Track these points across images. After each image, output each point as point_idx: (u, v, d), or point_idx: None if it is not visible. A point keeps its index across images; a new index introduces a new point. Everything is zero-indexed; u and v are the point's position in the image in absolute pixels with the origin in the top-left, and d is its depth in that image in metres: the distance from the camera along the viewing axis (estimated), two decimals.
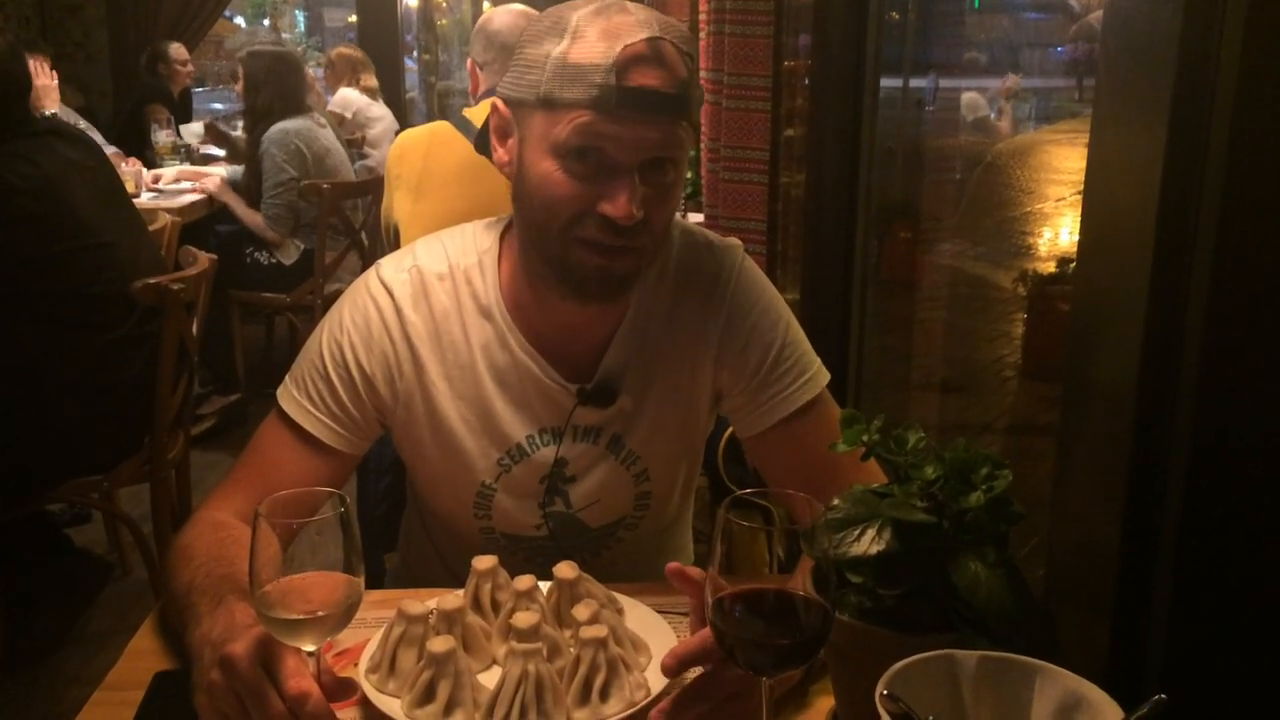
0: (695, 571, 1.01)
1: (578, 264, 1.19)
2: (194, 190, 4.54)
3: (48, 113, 4.64)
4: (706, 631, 0.96)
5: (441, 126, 2.70)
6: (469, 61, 2.82)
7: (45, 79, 4.59)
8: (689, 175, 4.01)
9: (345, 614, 0.93)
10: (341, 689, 0.97)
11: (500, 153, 1.25)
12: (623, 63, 1.13)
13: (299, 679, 0.91)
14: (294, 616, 0.91)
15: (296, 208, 4.30)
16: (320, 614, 0.91)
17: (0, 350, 2.44)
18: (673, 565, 1.02)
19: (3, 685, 2.58)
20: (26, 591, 2.82)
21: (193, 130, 5.69)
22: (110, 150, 4.71)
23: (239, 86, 4.40)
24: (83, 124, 5.08)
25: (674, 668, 0.98)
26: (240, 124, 5.00)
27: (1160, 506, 0.96)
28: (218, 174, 4.65)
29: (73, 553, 3.10)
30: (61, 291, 2.45)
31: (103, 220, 2.53)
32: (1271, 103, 0.87)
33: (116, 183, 2.78)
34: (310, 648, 0.94)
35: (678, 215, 1.30)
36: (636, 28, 1.15)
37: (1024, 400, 3.93)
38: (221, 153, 5.31)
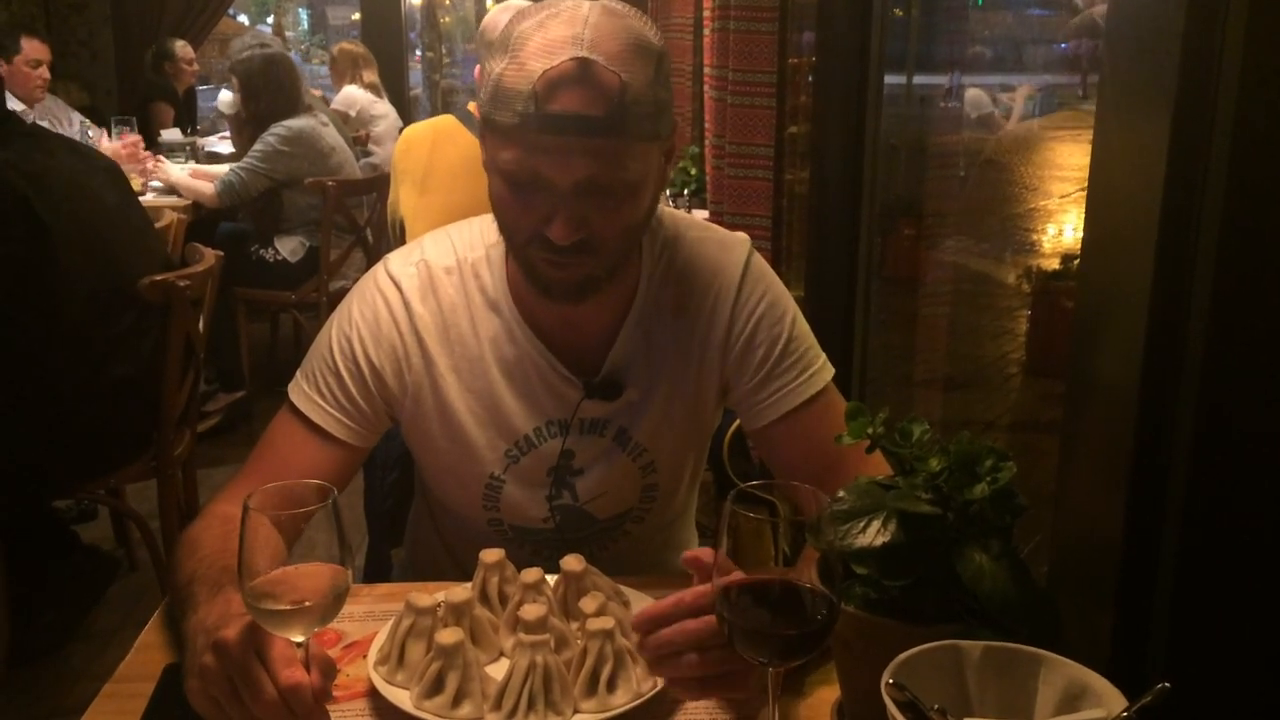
0: (707, 554, 1.00)
1: (537, 272, 1.22)
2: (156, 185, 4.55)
3: (38, 105, 4.69)
4: (674, 595, 0.97)
5: (446, 121, 2.71)
6: (476, 69, 2.84)
7: (25, 68, 4.61)
8: (693, 172, 4.02)
9: (333, 605, 0.93)
10: (324, 690, 0.96)
11: (485, 154, 1.26)
12: (543, 88, 1.11)
13: (292, 669, 0.91)
14: (282, 607, 0.92)
15: (250, 193, 4.27)
16: (308, 605, 0.92)
17: (7, 350, 2.45)
18: (687, 554, 1.01)
19: (10, 681, 2.59)
20: (34, 588, 2.83)
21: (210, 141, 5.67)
22: (124, 142, 4.72)
23: (237, 97, 4.37)
24: (75, 119, 5.10)
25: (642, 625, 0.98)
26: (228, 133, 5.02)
27: (1163, 498, 0.97)
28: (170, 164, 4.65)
29: (80, 549, 3.10)
30: (64, 289, 2.44)
31: (106, 218, 2.53)
32: (1275, 98, 0.88)
33: (113, 180, 2.76)
34: (299, 638, 0.94)
35: (683, 211, 1.30)
36: (567, 45, 1.11)
37: (1029, 397, 3.94)
38: (227, 151, 5.32)
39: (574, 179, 1.14)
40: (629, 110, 1.13)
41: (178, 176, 4.44)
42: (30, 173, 2.39)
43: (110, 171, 2.73)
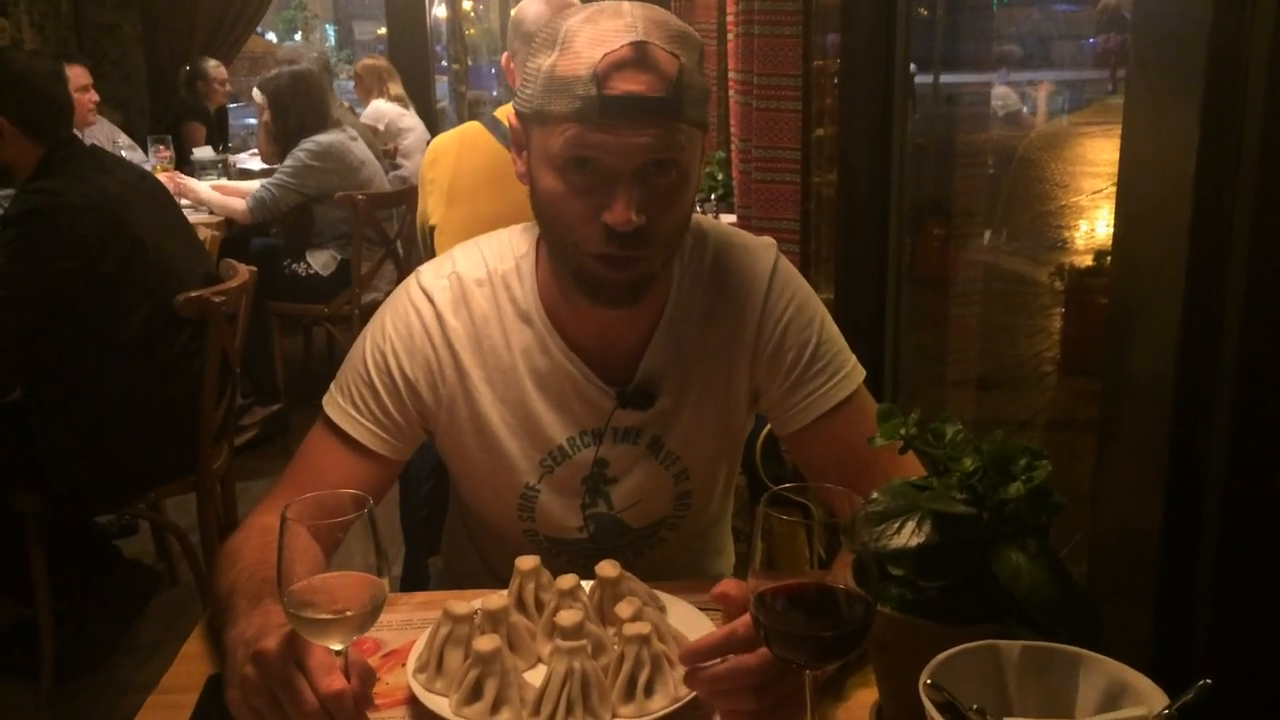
0: (733, 586, 1.02)
1: (590, 275, 1.22)
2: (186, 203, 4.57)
3: (89, 129, 4.73)
4: (726, 628, 0.98)
5: (472, 128, 2.71)
6: (504, 56, 2.83)
7: (78, 95, 4.64)
8: (719, 177, 4.02)
9: (371, 613, 0.95)
10: (365, 697, 0.97)
11: (519, 164, 1.27)
12: (604, 71, 1.12)
13: (332, 677, 0.93)
14: (321, 616, 0.93)
15: (281, 208, 4.30)
16: (347, 613, 0.93)
17: (62, 372, 2.48)
18: (715, 590, 1.03)
19: (55, 694, 2.63)
20: (77, 602, 2.87)
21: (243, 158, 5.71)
22: (166, 166, 4.77)
23: (265, 116, 4.41)
24: (121, 139, 5.18)
25: (690, 658, 0.99)
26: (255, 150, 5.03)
27: (1201, 493, 0.96)
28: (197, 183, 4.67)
29: (121, 563, 3.15)
30: (121, 310, 2.47)
31: (159, 239, 2.56)
32: None
33: (170, 203, 2.80)
34: (338, 646, 0.95)
35: (710, 216, 1.31)
36: (621, 33, 1.14)
37: (1063, 395, 3.90)
38: (258, 167, 5.38)
39: (636, 162, 1.15)
40: (685, 92, 1.15)
41: (207, 194, 4.49)
42: (91, 193, 2.42)
43: (165, 191, 2.78)
